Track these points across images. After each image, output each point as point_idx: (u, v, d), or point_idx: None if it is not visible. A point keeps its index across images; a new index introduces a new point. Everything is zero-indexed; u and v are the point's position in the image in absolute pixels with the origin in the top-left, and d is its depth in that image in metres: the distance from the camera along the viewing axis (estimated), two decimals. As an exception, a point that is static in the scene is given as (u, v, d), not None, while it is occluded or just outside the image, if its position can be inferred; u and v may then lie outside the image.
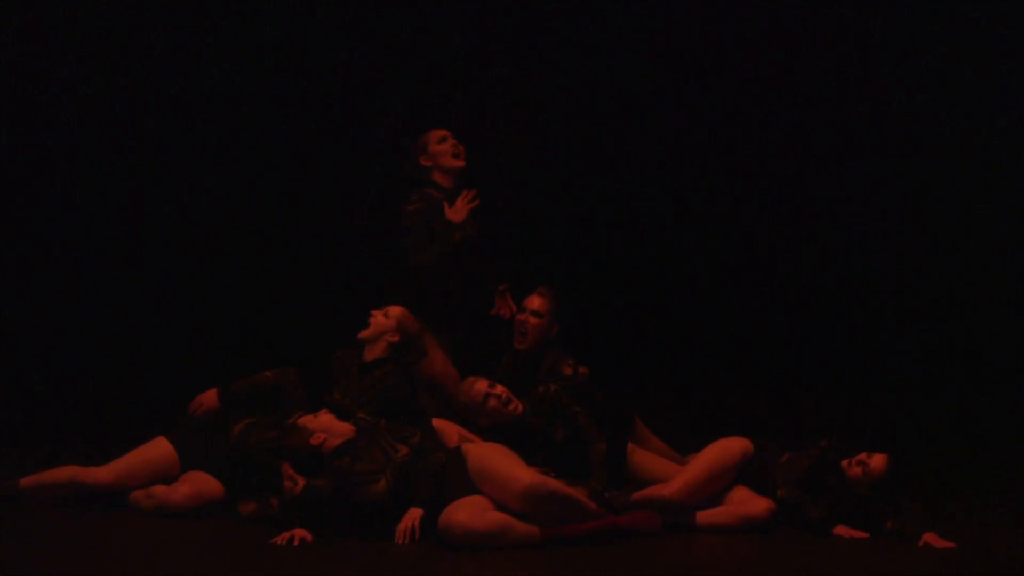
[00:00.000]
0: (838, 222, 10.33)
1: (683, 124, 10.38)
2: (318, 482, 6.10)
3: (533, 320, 7.34)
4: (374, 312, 7.13)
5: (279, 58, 10.38)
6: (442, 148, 7.75)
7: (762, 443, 6.61)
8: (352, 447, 6.20)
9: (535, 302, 7.37)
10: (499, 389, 6.74)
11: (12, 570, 5.44)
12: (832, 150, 10.32)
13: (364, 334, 7.09)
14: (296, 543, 5.91)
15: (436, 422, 6.80)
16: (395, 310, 7.14)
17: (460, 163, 7.75)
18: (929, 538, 5.98)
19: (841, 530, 6.20)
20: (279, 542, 5.93)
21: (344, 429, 6.31)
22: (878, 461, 6.25)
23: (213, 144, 10.38)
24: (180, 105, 10.36)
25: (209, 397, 6.93)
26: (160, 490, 6.57)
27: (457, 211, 7.56)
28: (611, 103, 10.41)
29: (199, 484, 6.59)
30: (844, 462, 6.32)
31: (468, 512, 5.85)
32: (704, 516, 6.35)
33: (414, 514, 5.97)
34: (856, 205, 10.31)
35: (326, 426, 6.29)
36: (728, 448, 6.54)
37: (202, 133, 10.37)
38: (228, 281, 10.32)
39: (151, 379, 9.89)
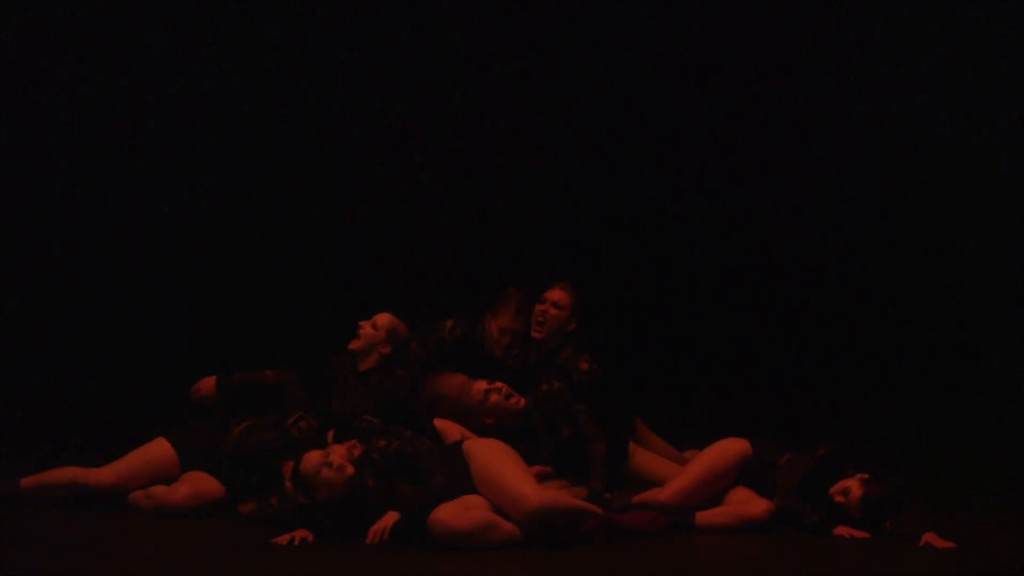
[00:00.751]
0: (838, 222, 10.33)
1: (683, 125, 10.38)
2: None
3: (552, 311, 7.32)
4: (362, 323, 7.07)
5: (279, 58, 10.38)
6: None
7: (761, 444, 6.61)
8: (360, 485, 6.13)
9: (556, 294, 7.35)
10: (498, 384, 6.76)
11: (12, 570, 5.44)
12: (832, 150, 10.31)
13: (355, 346, 7.05)
14: (297, 543, 5.92)
15: (438, 422, 6.80)
16: (383, 319, 7.07)
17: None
18: (929, 538, 5.98)
19: (842, 530, 6.20)
20: (280, 542, 5.93)
21: (349, 471, 6.11)
22: (854, 498, 6.22)
23: (213, 144, 10.38)
24: (180, 105, 10.36)
25: (208, 384, 6.95)
26: (160, 490, 6.58)
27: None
28: (611, 103, 10.41)
29: (199, 484, 6.59)
30: (831, 489, 6.30)
31: (451, 511, 5.85)
32: (704, 516, 6.35)
33: (390, 518, 5.90)
34: (856, 205, 10.31)
35: (339, 465, 6.05)
36: (726, 450, 6.54)
37: (202, 133, 10.37)
38: (228, 281, 10.32)
39: (151, 379, 9.89)
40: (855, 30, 10.21)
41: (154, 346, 10.28)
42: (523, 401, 6.75)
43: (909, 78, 10.18)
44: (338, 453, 6.08)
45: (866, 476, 6.27)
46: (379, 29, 10.37)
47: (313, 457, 6.05)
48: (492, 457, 6.10)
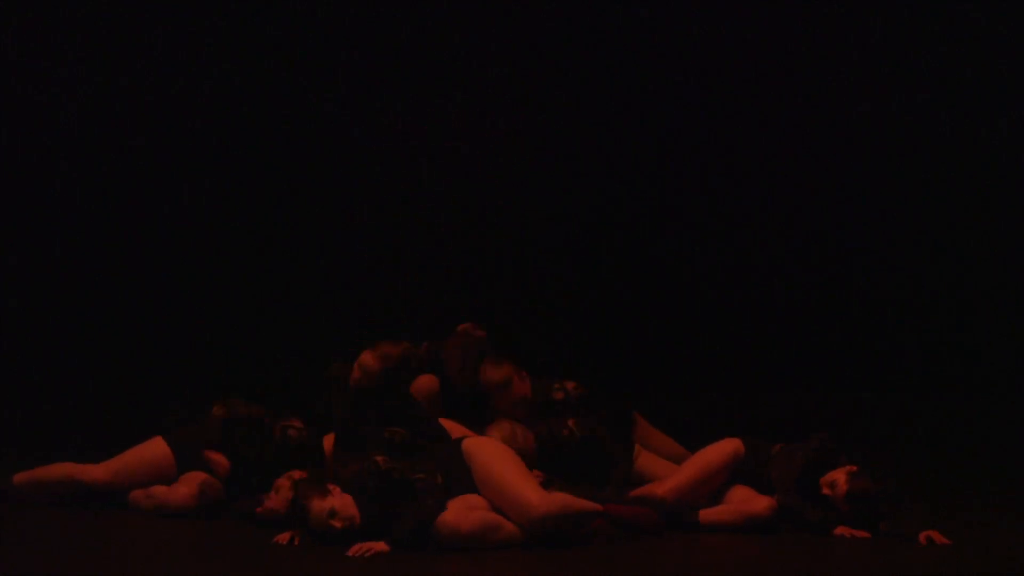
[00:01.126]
0: (838, 222, 10.33)
1: (683, 125, 10.38)
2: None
3: (500, 397, 7.02)
4: (353, 370, 6.90)
5: (279, 58, 10.37)
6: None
7: (754, 442, 6.64)
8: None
9: (494, 377, 7.01)
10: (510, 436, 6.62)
11: (12, 570, 5.44)
12: (832, 150, 10.31)
13: (352, 382, 6.93)
14: (297, 543, 5.92)
15: (443, 421, 6.78)
16: (368, 363, 6.71)
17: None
18: (930, 534, 5.98)
19: (843, 530, 6.20)
20: (280, 542, 5.93)
21: (358, 521, 6.00)
22: (840, 491, 6.23)
23: (213, 144, 10.37)
24: (180, 105, 10.35)
25: (222, 462, 6.79)
26: (160, 490, 6.58)
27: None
28: (611, 103, 10.40)
29: (199, 484, 6.59)
30: (821, 479, 6.31)
31: (454, 512, 5.85)
32: (707, 514, 6.38)
33: (377, 546, 5.79)
34: (856, 205, 10.31)
35: (339, 511, 5.93)
36: (720, 449, 6.59)
37: (202, 133, 10.36)
38: (228, 281, 10.31)
39: (151, 379, 9.89)
40: (855, 30, 10.21)
41: (154, 346, 10.27)
42: (532, 445, 6.68)
43: (909, 78, 10.18)
44: (342, 499, 5.95)
45: (854, 469, 6.28)
46: (379, 29, 10.37)
47: (320, 510, 5.90)
48: (493, 459, 6.08)
